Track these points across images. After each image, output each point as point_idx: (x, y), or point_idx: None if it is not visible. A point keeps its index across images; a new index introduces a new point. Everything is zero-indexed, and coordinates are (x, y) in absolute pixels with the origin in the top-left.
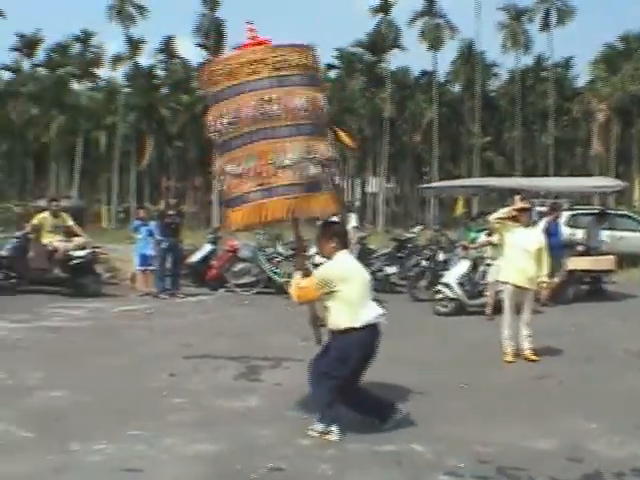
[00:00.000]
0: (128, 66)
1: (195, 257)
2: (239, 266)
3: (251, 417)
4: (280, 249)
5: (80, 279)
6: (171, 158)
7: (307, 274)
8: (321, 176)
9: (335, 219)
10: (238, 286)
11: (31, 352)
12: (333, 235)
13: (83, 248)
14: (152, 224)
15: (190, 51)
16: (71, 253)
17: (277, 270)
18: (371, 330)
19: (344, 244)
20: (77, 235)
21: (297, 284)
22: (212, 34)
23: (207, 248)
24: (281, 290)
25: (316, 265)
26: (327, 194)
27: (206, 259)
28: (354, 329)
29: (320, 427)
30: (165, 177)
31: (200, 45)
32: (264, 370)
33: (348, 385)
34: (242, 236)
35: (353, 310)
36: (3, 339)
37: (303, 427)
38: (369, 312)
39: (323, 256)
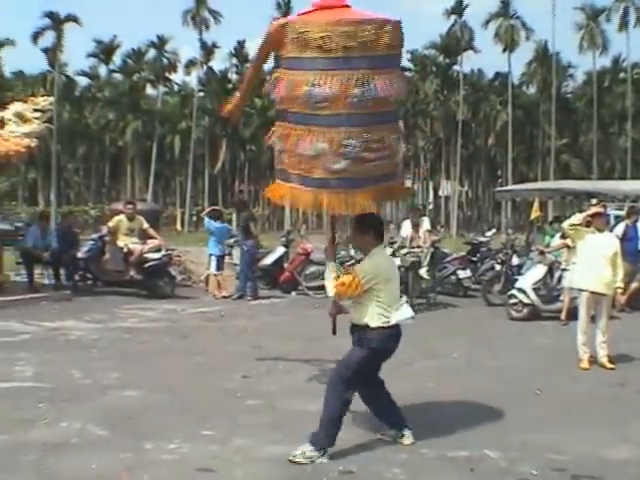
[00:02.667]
0: (202, 71)
1: (268, 260)
2: (311, 269)
3: None
4: (352, 252)
5: (155, 281)
6: (244, 162)
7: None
8: (365, 170)
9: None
10: (310, 289)
11: (107, 352)
12: (369, 227)
13: (158, 250)
14: (214, 224)
15: None
16: (146, 255)
17: None
18: (398, 330)
19: (381, 237)
20: (152, 238)
21: (339, 280)
22: None
23: (280, 251)
24: None
25: (358, 261)
26: (368, 191)
27: (279, 262)
28: (386, 328)
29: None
30: (238, 180)
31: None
32: None
33: (370, 382)
34: (315, 239)
35: (389, 309)
36: (80, 339)
37: (375, 430)
38: (402, 312)
39: (357, 249)
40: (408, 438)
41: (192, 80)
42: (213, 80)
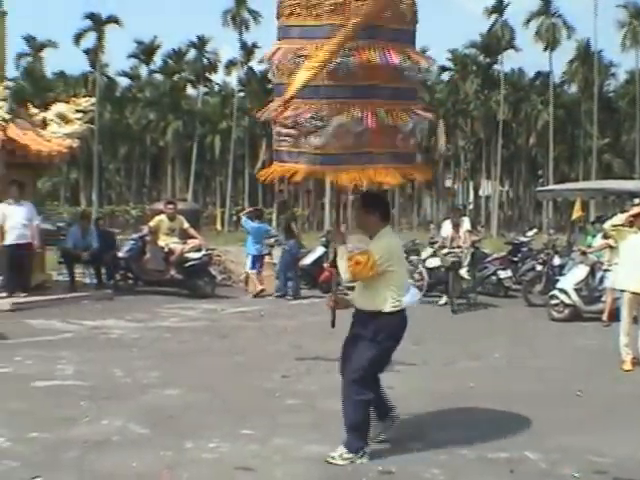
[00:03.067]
0: (242, 71)
1: (307, 259)
2: None
3: None
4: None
5: (195, 280)
6: None
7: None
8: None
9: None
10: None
11: (147, 351)
12: (375, 207)
13: (198, 250)
14: (251, 224)
15: None
16: (186, 255)
17: None
18: (405, 315)
19: (387, 218)
20: (192, 237)
21: (354, 259)
22: None
23: (320, 251)
24: None
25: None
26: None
27: (318, 261)
28: (398, 312)
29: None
30: (278, 180)
31: None
32: None
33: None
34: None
35: (399, 292)
36: (121, 338)
37: (414, 430)
38: (411, 295)
39: (360, 229)
40: (395, 416)
41: (232, 80)
42: (253, 80)
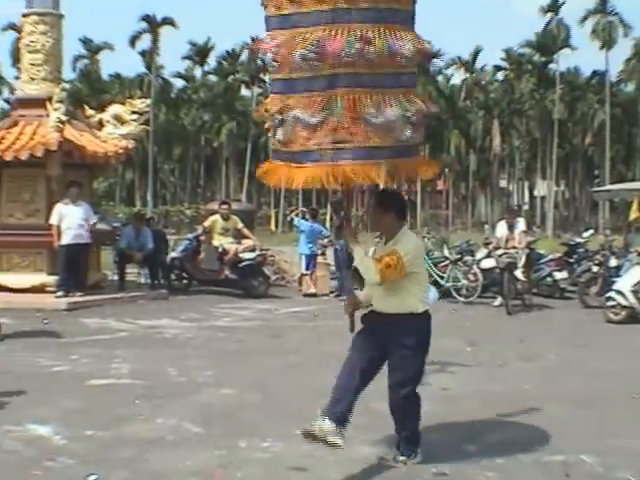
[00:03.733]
0: None
1: None
2: None
3: None
4: (446, 253)
5: (249, 280)
6: None
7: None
8: (414, 138)
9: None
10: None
11: (201, 350)
12: (390, 206)
13: (252, 250)
14: (305, 224)
15: None
16: (241, 255)
17: (443, 274)
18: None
19: (404, 217)
20: (247, 237)
21: (384, 262)
22: None
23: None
24: (447, 294)
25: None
26: (416, 158)
27: None
28: (426, 311)
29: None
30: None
31: None
32: (430, 374)
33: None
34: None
35: (424, 291)
36: (175, 337)
37: (470, 433)
38: (432, 292)
39: (376, 230)
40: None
41: None
42: None
